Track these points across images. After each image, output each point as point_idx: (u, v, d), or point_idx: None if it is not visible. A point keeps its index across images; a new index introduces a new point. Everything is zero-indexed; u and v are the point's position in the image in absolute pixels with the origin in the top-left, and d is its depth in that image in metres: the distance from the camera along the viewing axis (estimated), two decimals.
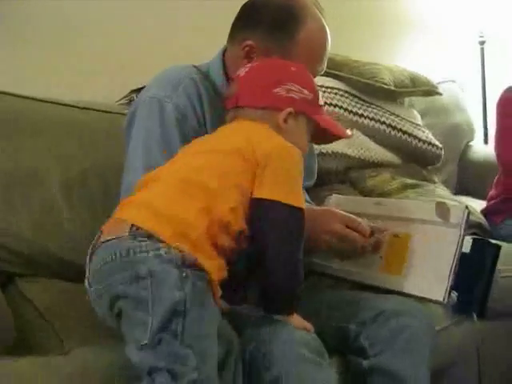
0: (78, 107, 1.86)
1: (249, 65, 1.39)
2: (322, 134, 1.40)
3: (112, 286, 1.11)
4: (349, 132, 1.45)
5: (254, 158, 1.22)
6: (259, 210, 1.20)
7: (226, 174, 1.21)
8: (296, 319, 1.25)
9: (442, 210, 1.47)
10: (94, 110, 1.88)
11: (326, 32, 1.49)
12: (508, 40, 3.13)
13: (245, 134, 1.28)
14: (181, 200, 1.17)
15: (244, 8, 1.52)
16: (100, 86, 2.10)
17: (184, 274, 1.08)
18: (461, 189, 2.83)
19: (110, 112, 1.90)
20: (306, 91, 1.34)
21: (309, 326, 1.27)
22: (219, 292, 1.16)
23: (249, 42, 1.46)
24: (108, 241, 1.13)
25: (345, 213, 1.49)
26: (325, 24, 1.49)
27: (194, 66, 1.54)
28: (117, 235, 1.13)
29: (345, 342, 1.43)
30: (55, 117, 1.81)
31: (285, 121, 1.32)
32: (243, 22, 1.50)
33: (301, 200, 1.24)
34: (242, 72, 1.37)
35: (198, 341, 1.08)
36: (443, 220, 1.46)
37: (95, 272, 1.14)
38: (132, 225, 1.13)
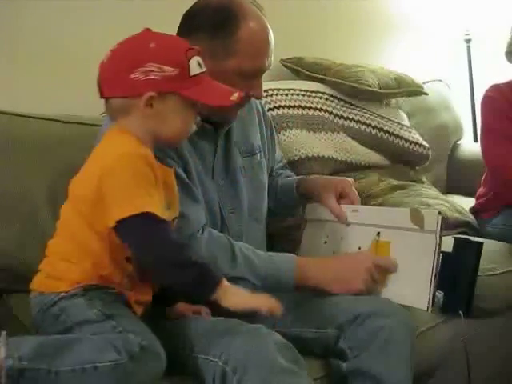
0: (62, 121, 1.86)
1: (111, 48, 1.29)
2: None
3: None
4: (234, 96, 1.31)
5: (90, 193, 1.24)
6: (120, 234, 1.21)
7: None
8: (243, 300, 1.21)
9: (417, 216, 1.47)
10: (77, 123, 1.88)
11: (266, 27, 1.50)
12: (494, 37, 3.12)
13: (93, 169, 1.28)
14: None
15: (183, 18, 1.54)
16: (84, 99, 2.10)
17: (89, 297, 1.24)
18: (451, 187, 2.84)
19: (95, 125, 1.88)
20: (167, 68, 1.23)
21: (271, 303, 1.22)
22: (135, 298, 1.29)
23: None
24: None
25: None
26: (264, 19, 1.50)
27: None
28: None
29: (326, 347, 1.44)
30: (39, 131, 1.81)
31: (149, 106, 1.24)
32: (185, 31, 1.50)
33: (147, 202, 1.18)
34: (104, 59, 1.28)
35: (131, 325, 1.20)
36: (419, 227, 1.46)
37: None
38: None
